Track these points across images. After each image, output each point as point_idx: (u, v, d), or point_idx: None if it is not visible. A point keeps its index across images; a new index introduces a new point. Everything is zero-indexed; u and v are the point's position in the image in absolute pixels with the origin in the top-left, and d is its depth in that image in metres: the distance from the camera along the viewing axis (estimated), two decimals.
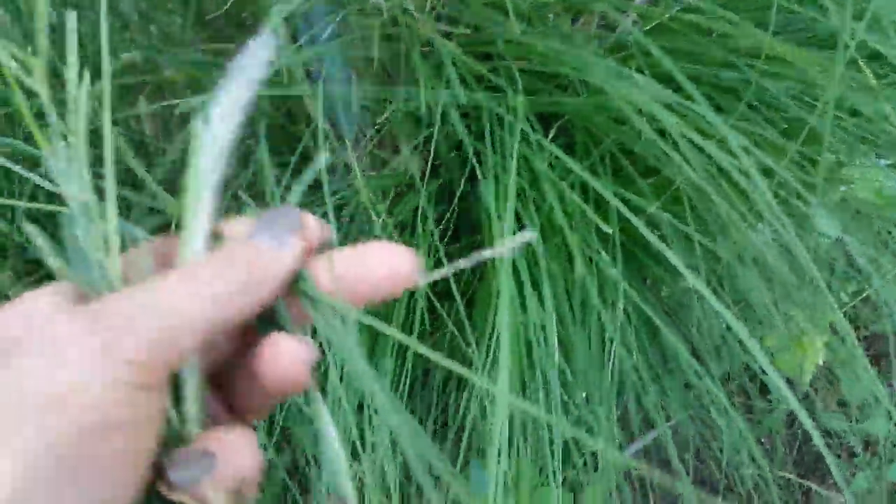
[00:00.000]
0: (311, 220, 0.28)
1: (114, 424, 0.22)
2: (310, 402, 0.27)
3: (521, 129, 0.62)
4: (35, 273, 0.88)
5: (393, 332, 0.27)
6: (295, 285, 0.27)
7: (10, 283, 0.89)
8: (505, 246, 0.30)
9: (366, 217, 0.88)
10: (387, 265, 0.27)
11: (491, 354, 0.72)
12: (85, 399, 0.22)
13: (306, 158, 0.94)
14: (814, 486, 1.21)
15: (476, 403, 0.79)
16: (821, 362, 1.11)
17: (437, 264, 0.79)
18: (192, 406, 0.26)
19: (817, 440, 0.54)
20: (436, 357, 0.25)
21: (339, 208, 0.87)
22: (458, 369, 0.24)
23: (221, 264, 0.25)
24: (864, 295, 1.08)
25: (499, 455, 0.58)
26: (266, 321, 0.27)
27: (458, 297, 0.76)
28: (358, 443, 0.75)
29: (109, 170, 0.27)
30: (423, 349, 0.27)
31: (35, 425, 0.21)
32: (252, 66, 0.29)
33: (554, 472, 0.72)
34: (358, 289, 0.27)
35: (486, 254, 0.30)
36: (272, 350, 0.26)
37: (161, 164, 0.91)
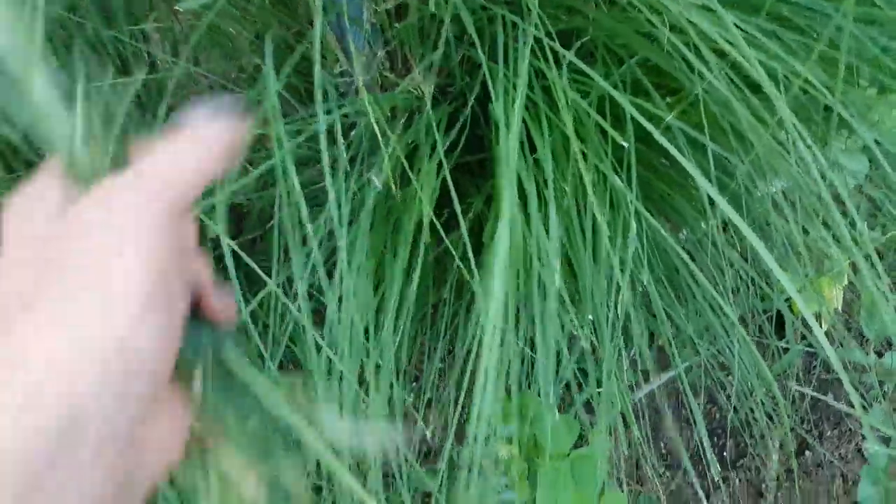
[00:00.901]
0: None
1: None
2: None
3: (535, 36, 0.59)
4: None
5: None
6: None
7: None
8: None
9: (375, 139, 0.85)
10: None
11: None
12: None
13: (309, 77, 0.91)
14: (827, 431, 1.19)
15: (479, 331, 0.77)
16: (838, 306, 1.08)
17: (444, 185, 0.76)
18: None
19: (836, 364, 0.52)
20: None
21: (349, 128, 0.85)
22: None
23: (185, 136, 0.28)
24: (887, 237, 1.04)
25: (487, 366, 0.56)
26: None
27: (464, 229, 0.73)
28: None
29: None
30: None
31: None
32: None
33: (556, 400, 0.70)
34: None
35: None
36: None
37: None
